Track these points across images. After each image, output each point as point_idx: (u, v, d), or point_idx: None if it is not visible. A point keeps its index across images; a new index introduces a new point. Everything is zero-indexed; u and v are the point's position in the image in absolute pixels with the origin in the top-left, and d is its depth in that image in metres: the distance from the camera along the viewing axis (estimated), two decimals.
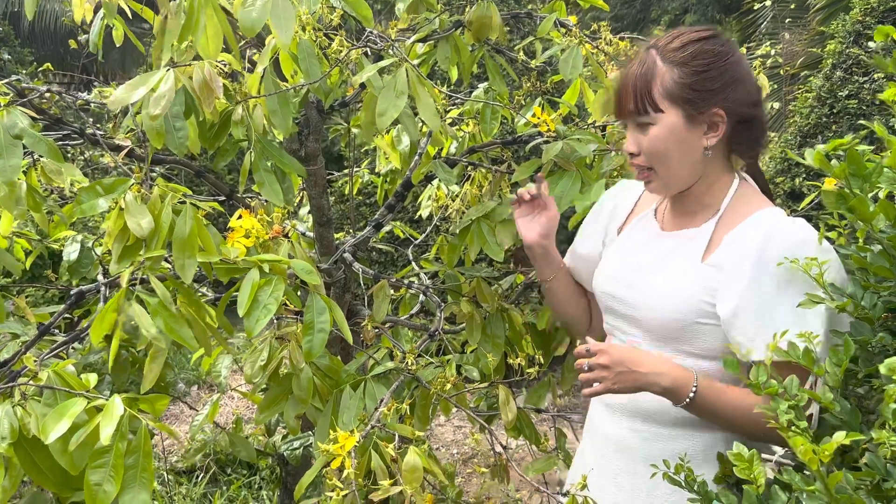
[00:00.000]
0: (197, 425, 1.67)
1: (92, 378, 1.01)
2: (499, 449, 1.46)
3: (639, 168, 1.30)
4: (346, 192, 2.99)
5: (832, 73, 5.06)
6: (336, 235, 2.17)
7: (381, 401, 1.31)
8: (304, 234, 2.28)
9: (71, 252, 1.76)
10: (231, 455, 2.88)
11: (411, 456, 1.09)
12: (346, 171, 3.10)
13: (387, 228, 3.02)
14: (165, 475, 3.04)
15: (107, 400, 0.94)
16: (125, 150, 1.52)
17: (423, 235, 3.02)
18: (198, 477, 3.00)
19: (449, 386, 1.35)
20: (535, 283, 2.08)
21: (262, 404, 1.41)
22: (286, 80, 1.59)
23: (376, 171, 2.88)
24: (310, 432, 1.65)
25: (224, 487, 2.95)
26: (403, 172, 2.74)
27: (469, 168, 2.74)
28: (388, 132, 2.40)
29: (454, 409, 1.42)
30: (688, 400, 1.17)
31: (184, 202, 1.13)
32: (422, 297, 2.49)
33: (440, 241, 3.16)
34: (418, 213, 3.15)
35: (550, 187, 1.69)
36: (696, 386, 1.17)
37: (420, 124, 2.11)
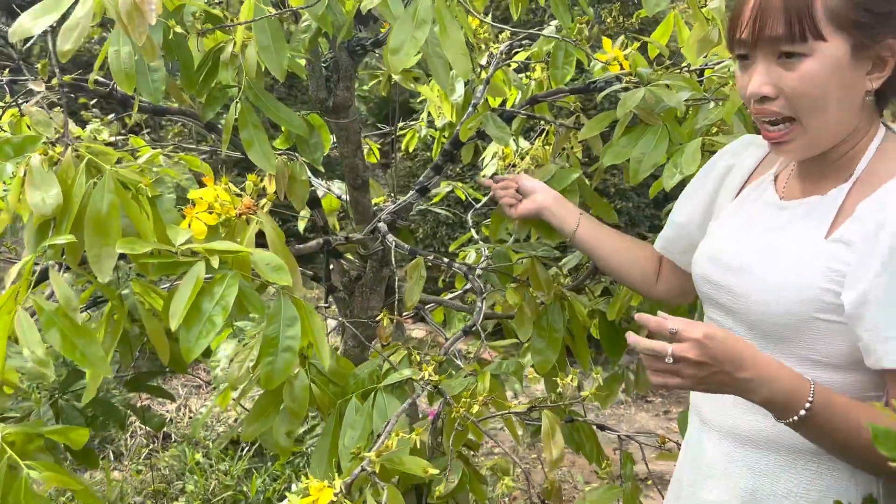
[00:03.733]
0: (200, 420, 1.43)
1: None
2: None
3: (771, 120, 0.94)
4: (409, 147, 2.67)
5: None
6: (375, 201, 1.88)
7: (386, 425, 1.01)
8: (339, 197, 1.99)
9: None
10: None
11: None
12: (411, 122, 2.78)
13: (447, 190, 2.70)
14: (211, 445, 2.90)
15: None
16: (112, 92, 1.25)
17: (486, 198, 2.68)
18: (243, 451, 2.84)
19: (477, 408, 1.04)
20: None
21: (249, 416, 1.14)
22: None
23: (435, 123, 2.54)
24: None
25: (269, 464, 2.77)
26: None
27: (543, 122, 2.38)
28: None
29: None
30: (796, 417, 0.87)
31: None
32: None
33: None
34: (482, 173, 2.81)
35: (628, 145, 1.33)
36: (812, 399, 0.86)
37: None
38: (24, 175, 0.79)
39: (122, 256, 0.90)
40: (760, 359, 0.87)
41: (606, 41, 1.43)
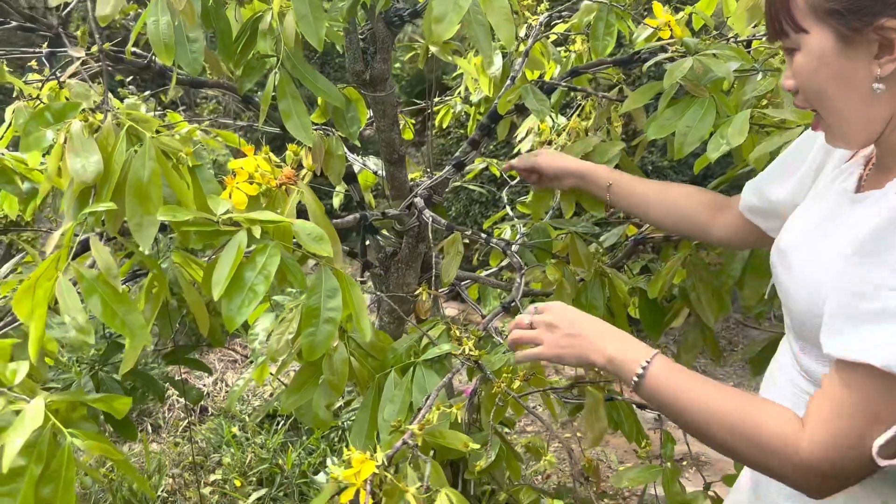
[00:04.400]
0: (236, 393, 1.44)
1: (20, 370, 0.76)
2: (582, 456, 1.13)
3: (803, 109, 0.92)
4: (443, 123, 2.65)
5: None
6: (411, 176, 1.86)
7: (427, 398, 1.00)
8: (375, 172, 1.97)
9: None
10: None
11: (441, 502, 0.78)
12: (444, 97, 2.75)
13: (481, 167, 2.67)
14: (247, 419, 2.93)
15: (28, 402, 0.69)
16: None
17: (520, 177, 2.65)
18: (278, 425, 2.86)
19: (518, 383, 1.02)
20: (649, 238, 1.69)
21: (289, 388, 1.14)
22: None
23: (470, 99, 2.51)
24: None
25: (304, 437, 2.80)
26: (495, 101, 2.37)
27: (580, 97, 2.33)
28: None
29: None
30: (636, 378, 0.92)
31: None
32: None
33: None
34: (516, 149, 2.78)
35: (673, 117, 1.29)
36: (647, 364, 0.91)
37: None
38: (65, 142, 0.79)
39: (161, 228, 0.90)
40: (607, 325, 0.99)
41: (657, 5, 1.38)
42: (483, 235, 1.48)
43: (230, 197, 0.90)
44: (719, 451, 0.89)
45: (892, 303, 0.74)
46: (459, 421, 0.99)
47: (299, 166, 0.99)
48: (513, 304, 1.26)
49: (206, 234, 0.79)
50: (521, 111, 1.77)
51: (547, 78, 1.97)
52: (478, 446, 0.95)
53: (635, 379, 0.91)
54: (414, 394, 1.09)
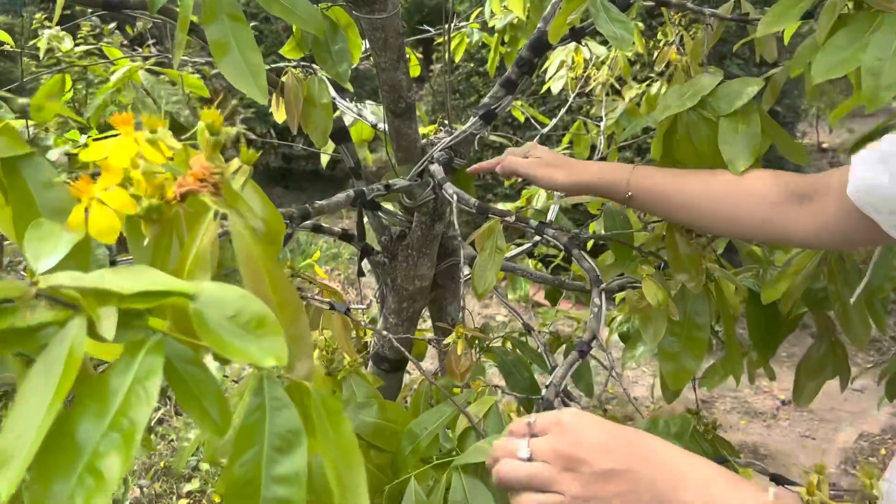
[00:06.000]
0: (186, 450, 1.02)
1: None
2: None
3: None
4: (456, 57, 2.14)
5: None
6: (423, 131, 1.38)
7: None
8: (374, 126, 1.49)
9: None
10: None
11: None
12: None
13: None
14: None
15: None
16: None
17: (553, 122, 2.15)
18: None
19: None
20: None
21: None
22: None
23: (490, 25, 2.00)
24: None
25: None
26: (531, 27, 1.86)
27: (672, 15, 1.83)
28: None
29: None
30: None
31: None
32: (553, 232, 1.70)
33: (576, 128, 2.30)
34: (545, 86, 2.27)
35: (849, 46, 0.81)
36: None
37: None
38: None
39: None
40: (679, 454, 0.57)
41: None
42: (532, 223, 1.02)
43: (86, 221, 0.43)
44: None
45: None
46: None
47: (234, 146, 0.52)
48: (593, 344, 0.81)
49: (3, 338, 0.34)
50: (578, 36, 1.28)
51: None
52: None
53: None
54: None
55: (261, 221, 0.50)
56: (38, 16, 2.18)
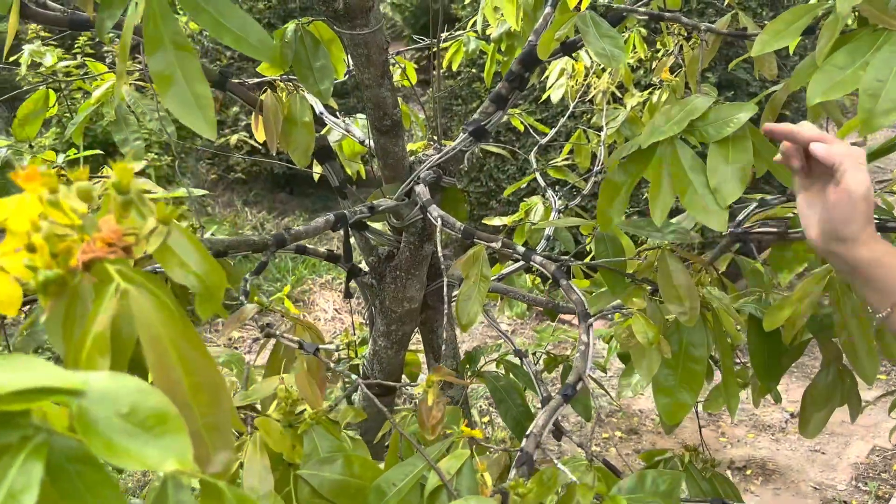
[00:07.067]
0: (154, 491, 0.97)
1: None
2: None
3: None
4: (453, 65, 2.09)
5: None
6: (411, 147, 1.33)
7: None
8: (361, 142, 1.45)
9: None
10: None
11: None
12: (456, 32, 2.18)
13: (502, 119, 2.12)
14: None
15: None
16: None
17: (553, 131, 2.10)
18: None
19: None
20: (753, 234, 1.17)
21: None
22: None
23: (487, 33, 1.95)
24: None
25: None
26: (525, 37, 1.80)
27: (636, 24, 1.81)
28: None
29: None
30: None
31: None
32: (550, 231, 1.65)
33: (576, 138, 2.24)
34: (546, 94, 2.22)
35: (850, 64, 0.76)
36: None
37: None
38: None
39: None
40: None
41: None
42: (520, 249, 0.97)
43: None
44: None
45: None
46: None
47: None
48: (579, 387, 0.76)
49: None
50: (569, 50, 1.23)
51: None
52: None
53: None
54: None
55: (194, 278, 0.45)
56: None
